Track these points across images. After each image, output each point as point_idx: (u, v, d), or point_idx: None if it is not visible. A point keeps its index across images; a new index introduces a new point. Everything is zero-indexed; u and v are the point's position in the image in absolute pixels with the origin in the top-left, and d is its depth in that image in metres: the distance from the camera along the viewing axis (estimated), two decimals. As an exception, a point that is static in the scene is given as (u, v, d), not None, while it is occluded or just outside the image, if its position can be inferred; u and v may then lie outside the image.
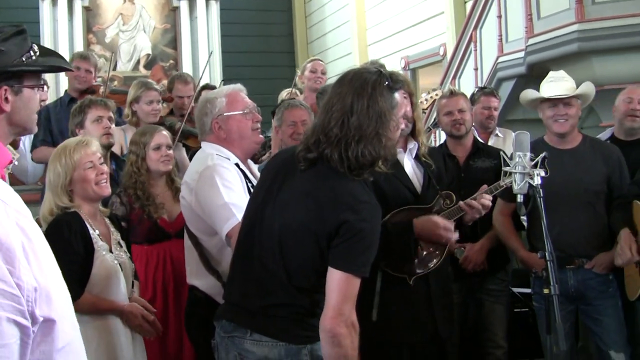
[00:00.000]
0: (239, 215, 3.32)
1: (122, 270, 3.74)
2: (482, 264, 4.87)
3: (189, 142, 5.95)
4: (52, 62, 2.33)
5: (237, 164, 3.68)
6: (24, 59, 2.14)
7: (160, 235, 4.45)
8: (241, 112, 3.74)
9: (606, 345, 4.57)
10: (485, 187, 3.94)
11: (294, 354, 2.84)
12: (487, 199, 3.85)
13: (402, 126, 3.04)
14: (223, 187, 3.48)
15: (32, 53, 2.18)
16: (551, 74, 4.77)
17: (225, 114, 3.71)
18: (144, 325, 3.74)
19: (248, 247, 2.96)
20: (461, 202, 3.82)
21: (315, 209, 2.78)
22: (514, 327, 5.38)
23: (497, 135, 6.22)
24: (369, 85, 2.80)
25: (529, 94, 4.80)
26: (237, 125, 3.73)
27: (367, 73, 2.86)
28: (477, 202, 3.82)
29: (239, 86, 3.87)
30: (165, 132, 4.68)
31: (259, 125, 3.84)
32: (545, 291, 3.43)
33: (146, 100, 5.60)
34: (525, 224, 5.01)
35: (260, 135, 3.87)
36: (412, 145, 3.95)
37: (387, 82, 2.83)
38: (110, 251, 3.72)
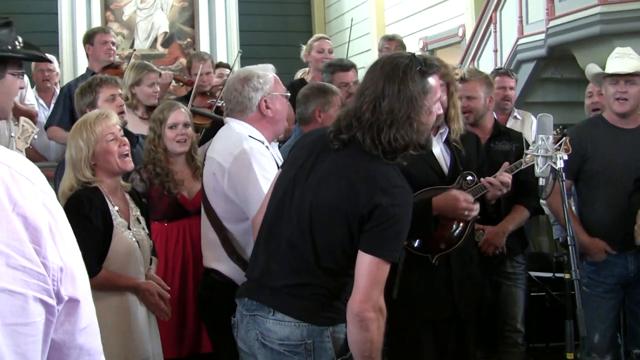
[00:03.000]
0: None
1: (139, 247, 3.71)
2: (502, 247, 4.83)
3: (195, 119, 5.93)
4: (34, 53, 2.39)
5: (266, 147, 3.64)
6: (9, 47, 2.19)
7: (180, 212, 4.42)
8: (285, 93, 3.73)
9: None
10: (506, 164, 3.94)
11: (316, 335, 2.83)
12: (506, 176, 3.85)
13: (440, 111, 3.00)
14: (262, 177, 3.43)
15: (17, 43, 2.24)
16: (617, 49, 4.59)
17: (274, 93, 3.65)
18: (159, 304, 3.72)
19: (276, 225, 2.94)
20: (482, 179, 3.82)
21: (348, 190, 2.76)
22: (531, 311, 5.37)
23: (515, 117, 6.15)
24: (400, 70, 2.77)
25: (592, 68, 4.66)
26: (281, 106, 3.70)
27: (399, 58, 2.83)
28: (497, 180, 3.82)
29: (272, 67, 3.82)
30: (184, 110, 4.61)
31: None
32: (567, 276, 3.38)
33: (147, 82, 5.56)
34: (545, 208, 4.96)
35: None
36: (443, 129, 3.97)
37: (419, 67, 2.80)
38: (129, 228, 3.69)
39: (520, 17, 8.00)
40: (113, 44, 6.63)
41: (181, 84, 6.89)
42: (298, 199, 2.87)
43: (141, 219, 3.85)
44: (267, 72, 3.69)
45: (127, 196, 3.85)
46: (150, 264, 3.88)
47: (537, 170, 3.51)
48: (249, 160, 3.46)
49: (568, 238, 3.40)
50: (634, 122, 4.55)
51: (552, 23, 7.05)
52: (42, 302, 1.32)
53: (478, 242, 4.77)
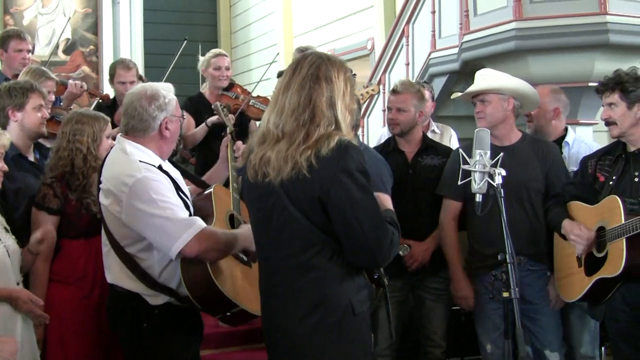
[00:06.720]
0: (187, 232, 3.30)
1: (9, 256, 3.67)
2: (426, 263, 4.81)
3: None
4: None
5: (160, 166, 3.58)
6: None
7: (98, 228, 4.19)
8: (181, 117, 3.77)
9: (542, 345, 4.57)
10: None
11: None
12: None
13: None
14: (163, 205, 3.37)
15: None
16: (478, 72, 4.77)
17: (175, 115, 3.67)
18: (35, 310, 3.68)
19: None
20: None
21: None
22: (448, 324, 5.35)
23: (434, 131, 6.14)
24: None
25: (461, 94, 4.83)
26: (177, 128, 3.71)
27: None
28: None
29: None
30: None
31: None
32: (505, 294, 3.36)
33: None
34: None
35: None
36: None
37: None
38: None
39: (433, 31, 8.03)
40: (29, 51, 6.37)
41: (98, 99, 6.58)
42: None
43: (7, 227, 3.80)
44: (170, 92, 3.70)
45: None
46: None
47: (474, 186, 3.45)
48: (145, 190, 3.39)
49: (507, 256, 3.36)
50: (510, 140, 4.67)
51: (466, 38, 7.06)
52: None
53: (402, 256, 4.75)
